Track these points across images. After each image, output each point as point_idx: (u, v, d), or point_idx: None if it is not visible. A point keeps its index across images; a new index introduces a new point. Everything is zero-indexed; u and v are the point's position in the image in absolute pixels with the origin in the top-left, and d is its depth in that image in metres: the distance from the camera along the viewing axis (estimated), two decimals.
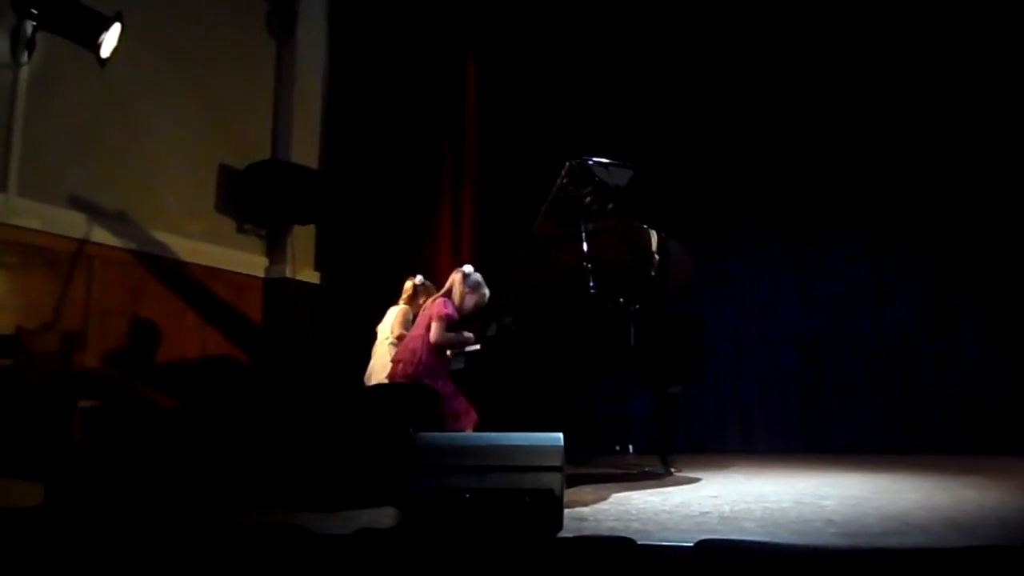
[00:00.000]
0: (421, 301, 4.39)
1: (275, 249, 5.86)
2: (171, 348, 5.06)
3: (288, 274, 5.80)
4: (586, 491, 3.84)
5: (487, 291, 4.16)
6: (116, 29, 4.23)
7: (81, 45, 4.23)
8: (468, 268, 4.16)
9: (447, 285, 4.11)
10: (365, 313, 4.94)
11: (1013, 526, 2.87)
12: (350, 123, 6.30)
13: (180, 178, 5.27)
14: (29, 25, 4.22)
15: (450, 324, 3.95)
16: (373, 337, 4.54)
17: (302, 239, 5.95)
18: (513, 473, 2.64)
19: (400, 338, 4.32)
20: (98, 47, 4.20)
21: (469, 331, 4.15)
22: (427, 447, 2.74)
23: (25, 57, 4.29)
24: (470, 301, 4.08)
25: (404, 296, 4.58)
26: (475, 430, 3.87)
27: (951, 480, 4.15)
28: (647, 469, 4.92)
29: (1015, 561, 1.89)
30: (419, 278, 4.61)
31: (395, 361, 4.04)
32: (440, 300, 4.01)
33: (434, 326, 3.91)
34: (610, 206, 4.58)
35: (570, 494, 3.37)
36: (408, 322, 4.41)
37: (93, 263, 4.65)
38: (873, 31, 6.70)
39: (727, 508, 3.25)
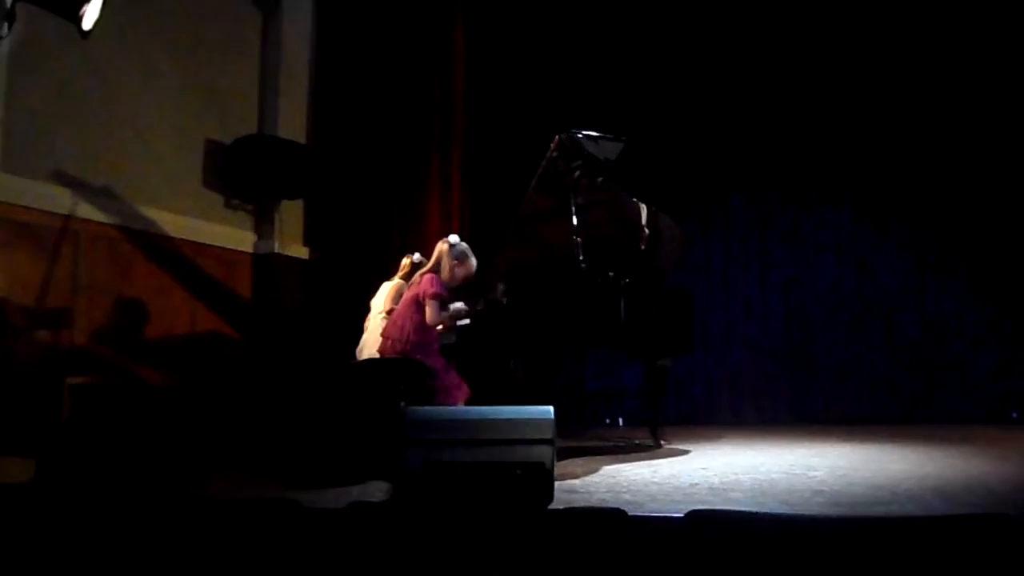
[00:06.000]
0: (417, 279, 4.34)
1: (263, 224, 5.80)
2: (160, 324, 5.03)
3: (277, 249, 5.75)
4: (577, 464, 3.86)
5: (474, 260, 4.03)
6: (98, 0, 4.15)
7: (62, 16, 4.14)
8: (454, 238, 4.01)
9: (434, 258, 3.98)
10: (355, 288, 4.92)
11: (999, 494, 2.91)
12: (338, 96, 6.22)
13: (166, 152, 5.21)
14: None
15: (442, 301, 3.85)
16: (367, 311, 4.52)
17: (290, 214, 5.90)
18: (504, 446, 2.65)
19: (392, 312, 4.29)
20: (80, 18, 4.11)
21: (461, 301, 4.12)
22: (418, 421, 2.75)
23: (5, 29, 4.20)
24: (459, 272, 3.96)
25: (401, 272, 4.52)
26: (466, 404, 3.87)
27: (938, 450, 4.20)
28: (637, 442, 4.95)
29: (1001, 529, 1.91)
30: (416, 256, 4.52)
31: (384, 337, 4.02)
32: (428, 277, 3.87)
33: (428, 309, 3.80)
34: (600, 180, 4.56)
35: (561, 467, 3.39)
36: (400, 297, 4.37)
37: (79, 239, 4.60)
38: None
39: (716, 479, 3.28)
